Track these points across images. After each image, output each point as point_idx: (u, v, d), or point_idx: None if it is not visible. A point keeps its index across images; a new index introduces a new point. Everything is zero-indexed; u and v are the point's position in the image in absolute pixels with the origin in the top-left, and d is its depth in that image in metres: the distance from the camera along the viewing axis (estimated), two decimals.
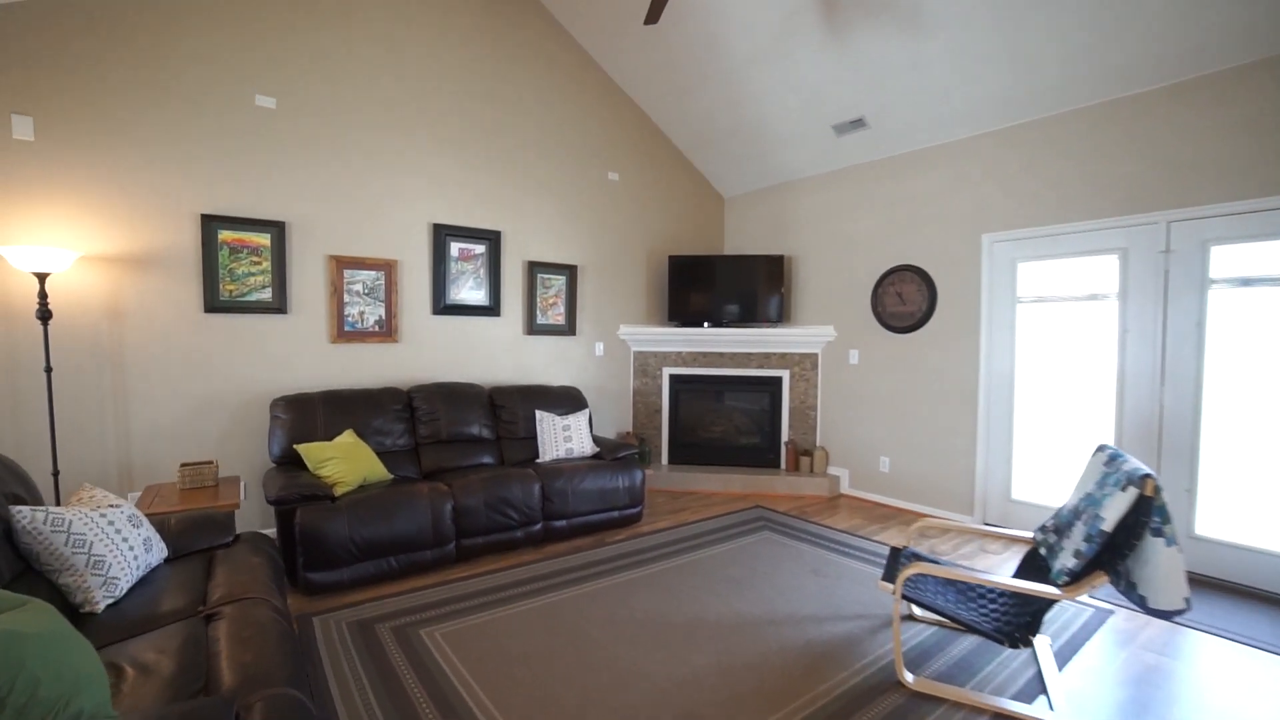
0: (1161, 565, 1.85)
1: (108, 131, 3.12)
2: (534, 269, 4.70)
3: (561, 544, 3.67)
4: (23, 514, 1.79)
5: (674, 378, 5.34)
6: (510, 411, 4.15)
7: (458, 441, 3.92)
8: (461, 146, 4.32)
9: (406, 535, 3.07)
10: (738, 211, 5.92)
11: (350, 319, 3.88)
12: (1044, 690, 2.19)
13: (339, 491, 3.11)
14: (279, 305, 3.60)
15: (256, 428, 3.58)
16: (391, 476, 3.52)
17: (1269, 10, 2.78)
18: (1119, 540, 1.93)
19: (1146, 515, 1.86)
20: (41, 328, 2.95)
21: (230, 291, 3.45)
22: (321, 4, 3.70)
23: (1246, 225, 3.04)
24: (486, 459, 3.96)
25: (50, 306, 2.93)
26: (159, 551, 2.19)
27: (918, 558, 2.57)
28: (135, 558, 2.01)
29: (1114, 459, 2.18)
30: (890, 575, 2.44)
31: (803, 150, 4.96)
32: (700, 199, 5.84)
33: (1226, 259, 3.13)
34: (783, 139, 4.93)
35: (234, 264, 3.46)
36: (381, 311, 4.00)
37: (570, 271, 4.90)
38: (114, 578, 1.89)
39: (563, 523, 3.67)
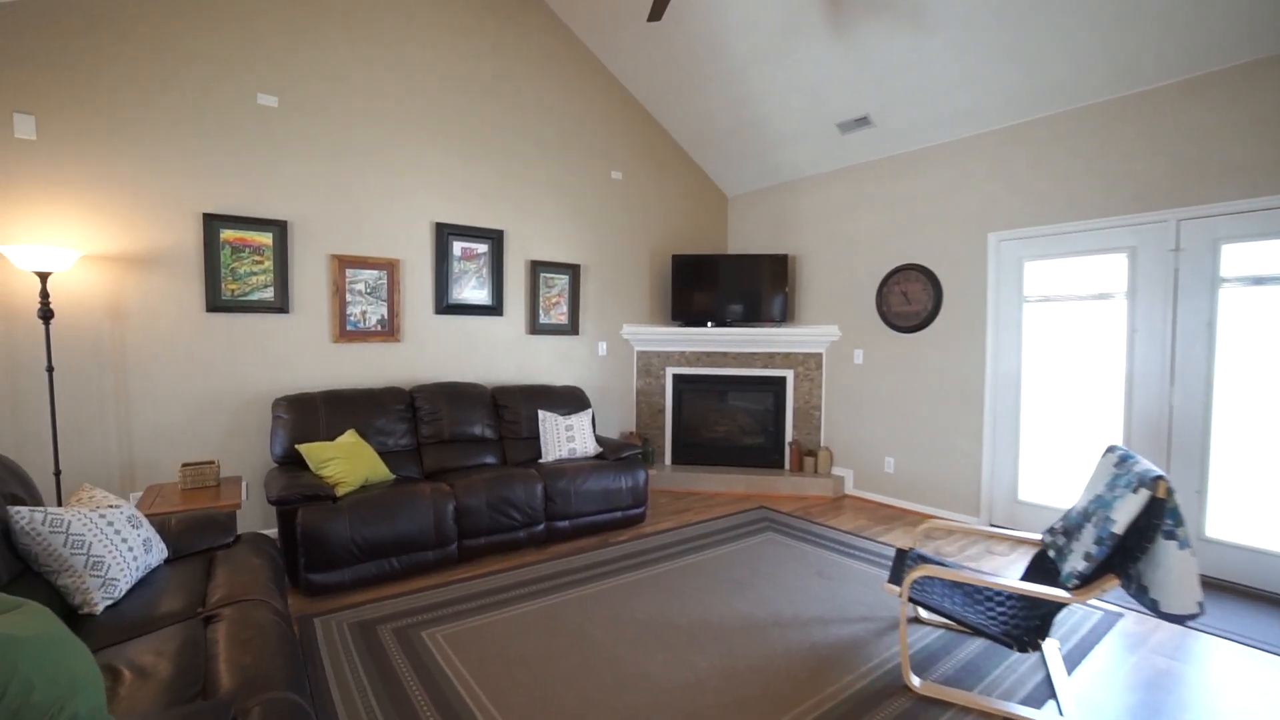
0: (1174, 569, 1.82)
1: (109, 130, 3.11)
2: (537, 268, 4.68)
3: (564, 545, 3.65)
4: (21, 515, 1.78)
5: (677, 377, 5.31)
6: (513, 411, 4.13)
7: (460, 441, 3.90)
8: (464, 145, 4.30)
9: (408, 536, 3.05)
10: (741, 210, 5.89)
11: (352, 318, 3.87)
12: (1053, 695, 2.16)
13: (341, 492, 3.09)
14: (281, 305, 3.59)
15: (258, 427, 3.57)
16: (394, 477, 3.50)
17: None
18: (1130, 543, 1.90)
19: (1159, 518, 1.83)
20: (43, 327, 2.94)
21: (232, 291, 3.44)
22: (323, 2, 3.69)
23: (1258, 223, 3.00)
24: (489, 459, 3.94)
25: (52, 306, 2.92)
26: (159, 552, 2.18)
27: (924, 560, 2.54)
28: (134, 559, 1.99)
29: (1124, 460, 2.14)
30: (897, 578, 2.41)
31: (806, 149, 4.93)
32: (704, 198, 5.82)
33: (1237, 257, 3.08)
34: (786, 137, 4.90)
35: (236, 263, 3.44)
36: (384, 311, 3.98)
37: (573, 271, 4.88)
38: (113, 579, 1.88)
39: (566, 523, 3.65)
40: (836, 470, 5.04)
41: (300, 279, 3.68)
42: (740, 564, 3.35)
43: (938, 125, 4.18)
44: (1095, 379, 3.62)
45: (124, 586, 1.92)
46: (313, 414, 3.43)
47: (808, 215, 5.27)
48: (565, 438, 4.07)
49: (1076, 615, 2.81)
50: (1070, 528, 2.24)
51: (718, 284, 5.28)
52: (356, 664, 2.29)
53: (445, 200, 4.23)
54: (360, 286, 3.89)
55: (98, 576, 1.85)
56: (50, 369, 2.89)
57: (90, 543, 1.86)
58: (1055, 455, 3.81)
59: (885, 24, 3.63)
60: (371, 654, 2.36)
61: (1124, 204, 3.45)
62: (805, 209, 5.29)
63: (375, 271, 3.93)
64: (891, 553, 3.56)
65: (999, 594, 2.35)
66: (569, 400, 4.37)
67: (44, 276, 2.82)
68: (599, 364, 5.14)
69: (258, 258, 3.51)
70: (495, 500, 3.36)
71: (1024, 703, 2.11)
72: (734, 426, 5.36)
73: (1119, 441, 3.51)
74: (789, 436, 5.19)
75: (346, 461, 3.21)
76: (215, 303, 3.39)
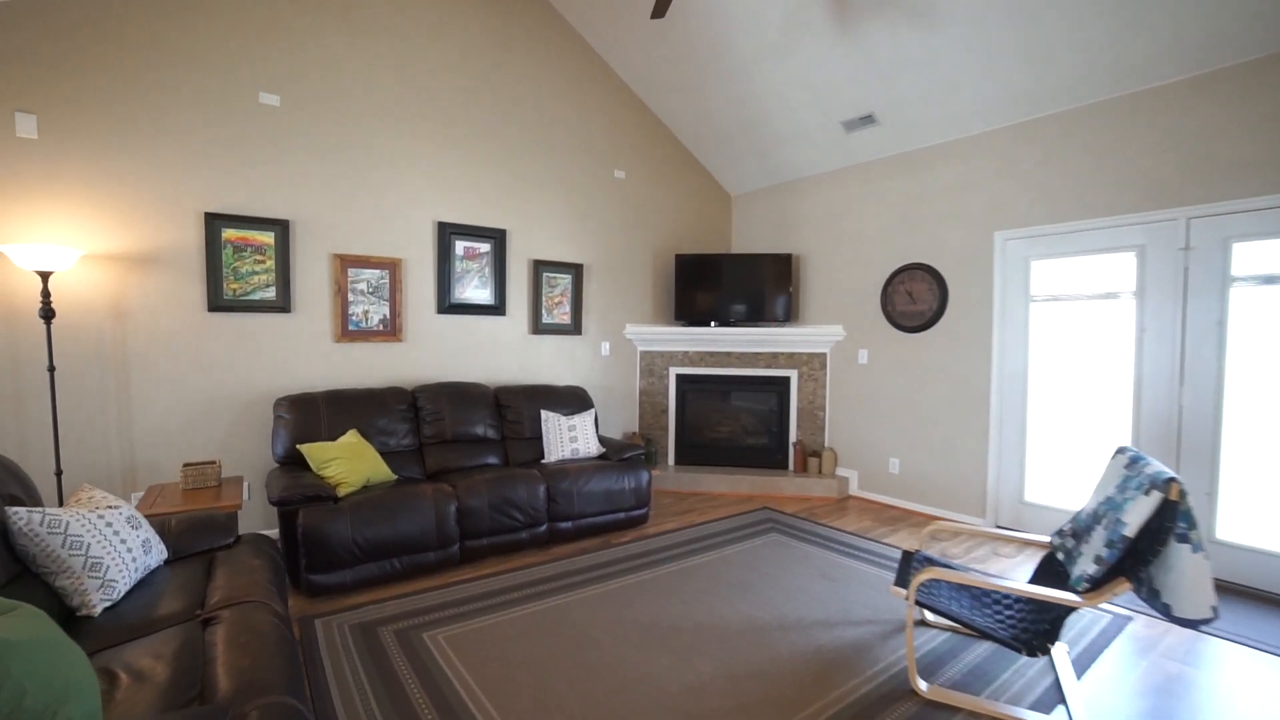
0: (1187, 572, 1.78)
1: (111, 129, 3.10)
2: (539, 268, 4.66)
3: (567, 546, 3.63)
4: (19, 515, 1.77)
5: (681, 377, 5.29)
6: (515, 411, 4.11)
7: (462, 442, 3.88)
8: (466, 144, 4.28)
9: (410, 537, 3.04)
10: (745, 209, 5.86)
11: (354, 318, 3.85)
12: (1062, 700, 2.12)
13: (342, 492, 3.08)
14: (283, 304, 3.58)
15: (260, 427, 3.56)
16: (395, 477, 3.49)
17: None
18: (1142, 546, 1.86)
19: (1171, 520, 1.80)
20: (44, 326, 2.93)
21: (234, 290, 3.43)
22: (326, 0, 3.68)
23: (1270, 222, 2.96)
24: (491, 459, 3.92)
25: (53, 305, 2.92)
26: (158, 553, 2.16)
27: (930, 562, 2.51)
28: (133, 560, 1.98)
29: (1135, 461, 2.11)
30: (903, 580, 2.38)
31: (811, 147, 4.90)
32: (707, 197, 5.79)
33: (1249, 256, 3.04)
34: (791, 136, 4.87)
35: (238, 262, 3.43)
36: (386, 310, 3.97)
37: (576, 270, 4.85)
38: (111, 580, 1.86)
39: (568, 524, 3.63)
40: (841, 471, 5.01)
41: (302, 278, 3.67)
42: (744, 566, 3.33)
43: (945, 123, 4.14)
44: (1103, 379, 3.58)
45: (122, 588, 1.90)
46: (314, 414, 3.42)
47: (812, 214, 5.23)
48: (568, 438, 4.05)
49: (1085, 618, 2.77)
50: (1079, 530, 2.21)
51: (721, 283, 5.25)
52: (357, 665, 2.27)
53: (448, 199, 4.22)
54: (362, 286, 3.87)
55: (96, 578, 1.83)
56: (52, 369, 2.88)
57: (89, 544, 1.85)
58: (1062, 456, 3.77)
59: (891, 21, 3.59)
60: (372, 655, 2.34)
61: (1133, 202, 3.41)
62: (809, 208, 5.25)
63: (377, 271, 3.92)
64: (896, 554, 3.53)
65: (1007, 597, 2.32)
66: (572, 400, 4.35)
67: (45, 276, 2.81)
68: (602, 364, 5.11)
69: (260, 257, 3.50)
70: (497, 501, 3.34)
71: (1033, 708, 2.08)
72: (738, 427, 5.33)
73: (1127, 442, 3.47)
74: (793, 437, 5.16)
75: (348, 462, 3.19)
76: (217, 302, 3.38)
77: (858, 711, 2.04)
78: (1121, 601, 2.92)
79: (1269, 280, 2.98)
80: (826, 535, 3.86)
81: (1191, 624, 1.80)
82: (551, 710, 2.03)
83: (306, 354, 3.71)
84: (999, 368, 4.01)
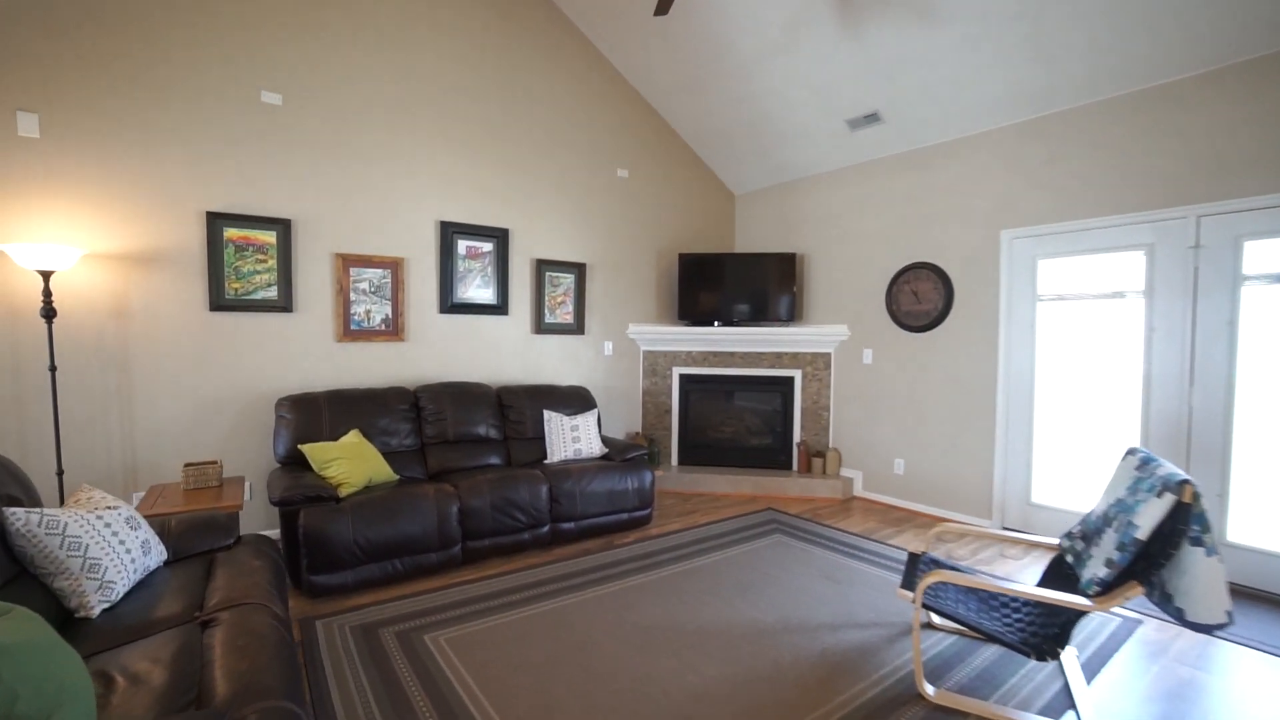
0: (1201, 576, 1.75)
1: (112, 128, 3.09)
2: (542, 267, 4.64)
3: (569, 546, 3.61)
4: (17, 516, 1.75)
5: (684, 377, 5.26)
6: (518, 411, 4.09)
7: (465, 442, 3.86)
8: (469, 143, 4.26)
9: (412, 537, 3.02)
10: (748, 208, 5.83)
11: (356, 317, 3.84)
12: (1072, 705, 2.09)
13: (344, 492, 3.06)
14: (285, 304, 3.57)
15: (261, 427, 3.55)
16: (397, 477, 3.47)
17: None
18: (1154, 549, 1.83)
19: (1185, 523, 1.77)
20: (46, 326, 2.92)
21: (236, 290, 3.42)
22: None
23: None
24: (494, 460, 3.90)
25: (54, 304, 2.90)
26: (158, 554, 2.15)
27: (937, 564, 2.48)
28: (132, 561, 1.96)
29: (1146, 463, 2.08)
30: (909, 583, 2.35)
31: (815, 146, 4.87)
32: (710, 196, 5.76)
33: (1260, 254, 3.00)
34: (794, 134, 4.83)
35: (240, 262, 3.42)
36: (388, 310, 3.95)
37: (579, 270, 4.83)
38: (110, 582, 1.85)
39: (571, 525, 3.60)
40: (845, 471, 4.98)
41: (304, 278, 3.65)
42: (748, 567, 3.30)
43: (950, 121, 4.11)
44: (1111, 379, 3.54)
45: (121, 589, 1.89)
46: (316, 414, 3.40)
47: (816, 213, 5.20)
48: (571, 438, 4.03)
49: (1095, 622, 2.73)
50: (1089, 532, 2.18)
51: (725, 283, 5.22)
52: (358, 667, 2.25)
53: (450, 198, 4.20)
54: (364, 285, 3.86)
55: (94, 579, 1.82)
56: (53, 368, 2.87)
57: (87, 545, 1.83)
58: (1070, 457, 3.73)
59: (894, 18, 3.56)
60: (373, 657, 2.32)
61: (1142, 200, 3.37)
62: (813, 207, 5.22)
63: (379, 270, 3.90)
64: (902, 556, 3.50)
65: (1015, 600, 2.28)
66: (574, 400, 4.33)
67: (47, 275, 2.80)
68: (605, 364, 5.09)
69: (261, 256, 3.49)
70: (500, 501, 3.32)
71: (1042, 713, 2.04)
72: (741, 427, 5.30)
73: (1136, 443, 3.43)
74: (797, 437, 5.13)
75: (350, 462, 3.18)
76: (218, 302, 3.37)
77: (864, 716, 2.01)
78: (1132, 605, 2.88)
79: None
80: (831, 536, 3.83)
81: (1206, 629, 1.77)
82: (553, 713, 2.00)
83: (308, 354, 3.69)
84: (1005, 368, 3.97)
